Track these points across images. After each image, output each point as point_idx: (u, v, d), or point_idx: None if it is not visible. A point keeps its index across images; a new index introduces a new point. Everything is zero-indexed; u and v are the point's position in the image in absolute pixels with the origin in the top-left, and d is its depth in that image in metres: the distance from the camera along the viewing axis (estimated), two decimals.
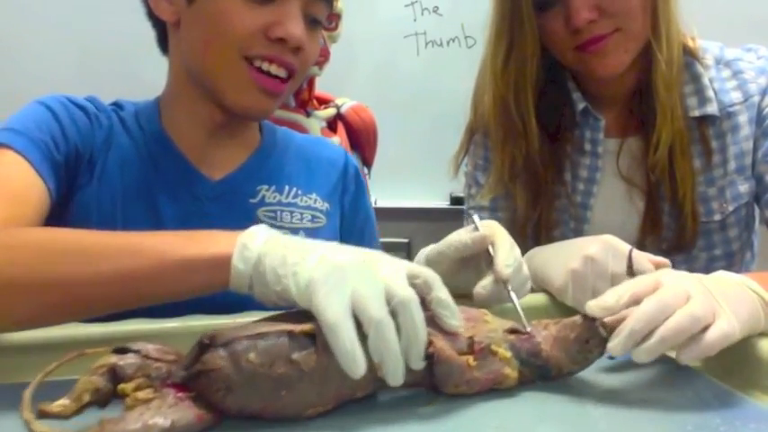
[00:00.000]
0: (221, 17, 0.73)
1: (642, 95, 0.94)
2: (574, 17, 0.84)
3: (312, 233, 0.85)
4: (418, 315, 0.46)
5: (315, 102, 1.48)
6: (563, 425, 0.48)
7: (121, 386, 0.43)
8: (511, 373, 0.51)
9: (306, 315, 0.46)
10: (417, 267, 0.50)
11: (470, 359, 0.50)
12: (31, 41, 1.72)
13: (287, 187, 0.86)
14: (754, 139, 0.91)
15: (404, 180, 1.96)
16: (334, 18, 1.39)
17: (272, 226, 0.81)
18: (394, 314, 0.45)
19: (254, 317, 0.50)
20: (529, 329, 0.54)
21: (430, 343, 0.48)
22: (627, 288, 0.54)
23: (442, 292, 0.50)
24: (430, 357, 0.48)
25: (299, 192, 0.86)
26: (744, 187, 0.92)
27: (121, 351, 0.45)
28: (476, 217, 0.69)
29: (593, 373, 0.56)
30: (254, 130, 0.88)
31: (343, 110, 1.48)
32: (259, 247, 0.50)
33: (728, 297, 0.54)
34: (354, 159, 0.99)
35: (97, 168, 0.78)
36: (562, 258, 0.70)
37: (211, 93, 0.77)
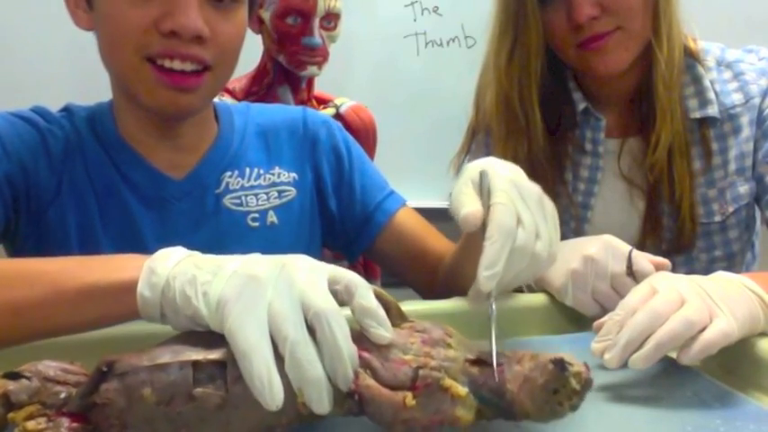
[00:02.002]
0: (113, 19, 0.69)
1: (642, 96, 0.94)
2: (576, 12, 0.84)
3: (284, 209, 0.84)
4: (339, 328, 0.40)
5: (314, 102, 1.48)
6: (561, 424, 0.47)
7: (11, 415, 0.39)
8: (464, 414, 0.42)
9: (223, 338, 0.41)
10: (340, 271, 0.44)
11: (409, 397, 0.41)
12: (26, 33, 1.72)
13: (248, 170, 0.83)
14: (754, 140, 0.91)
15: (403, 180, 1.94)
16: (333, 18, 1.39)
17: (240, 212, 0.82)
18: (313, 329, 0.40)
19: None
20: (495, 362, 0.44)
21: (356, 376, 0.41)
22: (625, 312, 0.55)
23: (365, 299, 0.43)
24: (351, 395, 0.41)
25: (261, 171, 0.84)
26: (744, 188, 0.92)
27: (14, 377, 0.41)
28: (466, 181, 0.57)
29: (591, 372, 0.56)
30: (208, 119, 0.83)
31: (342, 110, 1.47)
32: (168, 271, 0.44)
33: (726, 297, 0.54)
34: (320, 112, 0.94)
35: (64, 181, 0.75)
36: (562, 258, 0.70)
37: (131, 96, 0.74)
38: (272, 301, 0.41)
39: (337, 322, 0.40)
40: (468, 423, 0.43)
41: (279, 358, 0.39)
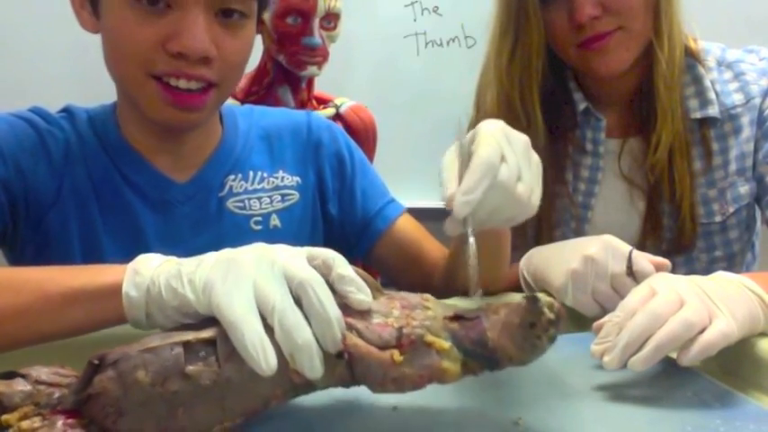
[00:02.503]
0: (118, 34, 0.69)
1: (643, 96, 0.94)
2: (577, 12, 0.84)
3: (287, 212, 0.84)
4: (323, 294, 0.42)
5: (314, 102, 1.48)
6: (562, 424, 0.47)
7: (5, 417, 0.40)
8: (450, 366, 0.44)
9: (211, 321, 0.42)
10: (317, 249, 0.46)
11: (396, 354, 0.43)
12: (27, 33, 1.72)
13: (251, 173, 0.83)
14: (754, 140, 0.91)
15: (404, 180, 1.95)
16: (333, 18, 1.39)
17: (243, 215, 0.82)
18: (298, 300, 0.42)
19: None
20: (475, 294, 0.47)
21: (343, 338, 0.43)
22: (624, 313, 0.55)
23: (343, 269, 0.45)
24: (341, 355, 0.43)
25: (265, 174, 0.84)
26: (744, 189, 0.92)
27: (9, 376, 0.41)
28: (455, 144, 0.56)
29: (591, 373, 0.56)
30: (212, 123, 0.82)
31: (342, 110, 1.48)
32: (152, 271, 0.46)
33: (726, 298, 0.54)
34: (324, 117, 0.95)
35: (65, 184, 0.75)
36: (562, 258, 0.70)
37: (135, 106, 0.74)
38: (257, 278, 0.42)
39: (321, 288, 0.42)
40: (456, 376, 0.45)
41: (268, 331, 0.41)
